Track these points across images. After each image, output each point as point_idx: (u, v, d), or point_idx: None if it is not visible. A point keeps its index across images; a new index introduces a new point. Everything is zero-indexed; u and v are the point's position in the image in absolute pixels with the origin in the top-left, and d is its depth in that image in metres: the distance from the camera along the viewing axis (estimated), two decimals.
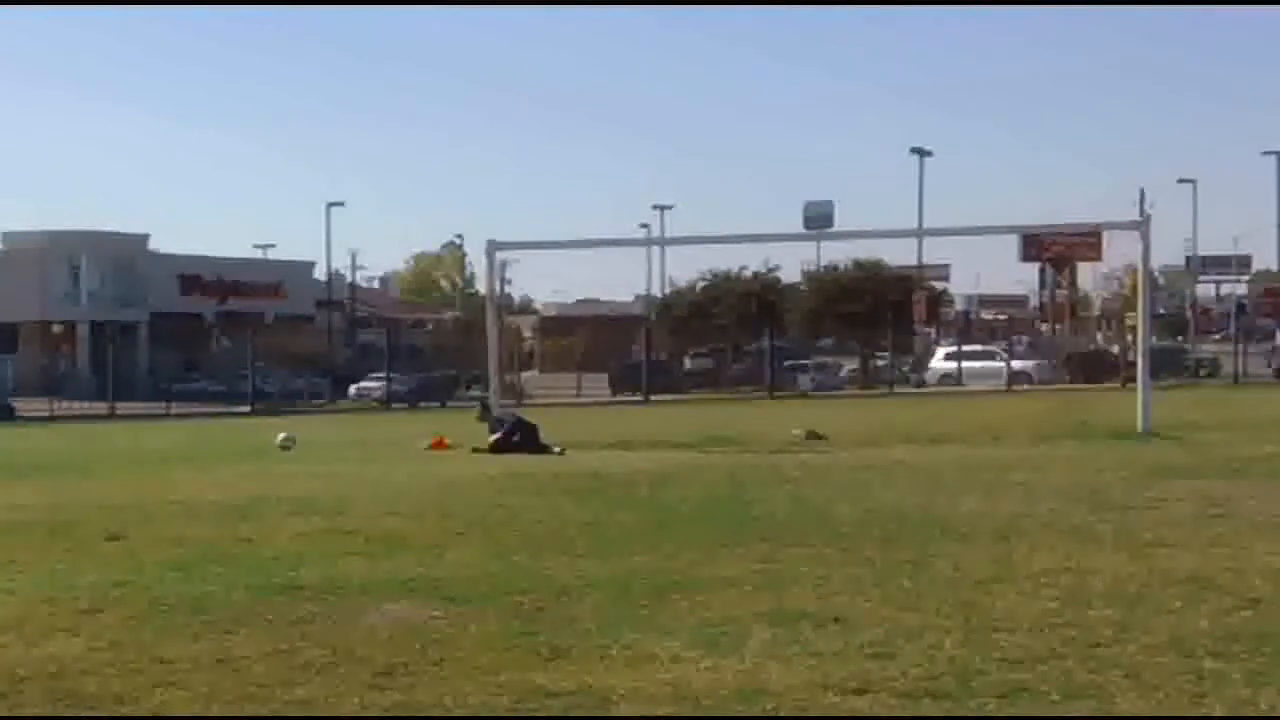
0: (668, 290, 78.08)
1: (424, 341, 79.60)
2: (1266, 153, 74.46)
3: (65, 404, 52.84)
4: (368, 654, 6.10)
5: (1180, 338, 71.53)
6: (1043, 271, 78.92)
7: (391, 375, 61.39)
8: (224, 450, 23.20)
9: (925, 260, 72.83)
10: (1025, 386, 49.37)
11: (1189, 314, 74.08)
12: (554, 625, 6.63)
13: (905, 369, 65.34)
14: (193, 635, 6.61)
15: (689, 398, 51.15)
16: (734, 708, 5.17)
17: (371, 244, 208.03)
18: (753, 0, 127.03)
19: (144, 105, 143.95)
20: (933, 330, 76.12)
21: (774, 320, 66.22)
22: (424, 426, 27.17)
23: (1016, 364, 54.14)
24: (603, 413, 37.40)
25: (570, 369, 66.08)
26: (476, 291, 77.67)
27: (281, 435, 21.27)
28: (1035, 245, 72.43)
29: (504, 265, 77.89)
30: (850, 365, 68.46)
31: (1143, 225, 24.13)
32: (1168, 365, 45.19)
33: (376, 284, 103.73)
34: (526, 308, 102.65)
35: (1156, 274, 73.23)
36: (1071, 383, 51.81)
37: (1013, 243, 72.43)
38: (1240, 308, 71.98)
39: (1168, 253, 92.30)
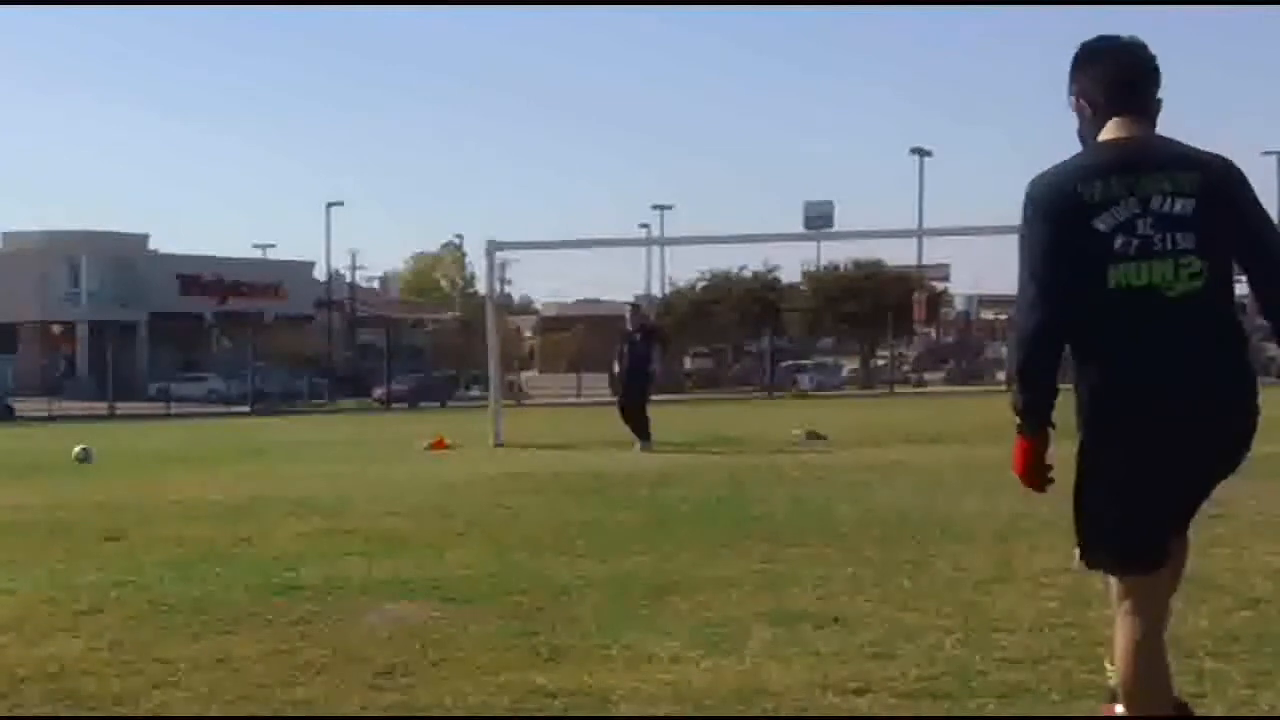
0: (668, 290, 78.16)
1: (424, 341, 79.64)
2: (1266, 153, 74.58)
3: (65, 404, 52.88)
4: (368, 654, 6.09)
5: None
6: None
7: (206, 375, 60.84)
8: (224, 450, 23.21)
9: (925, 260, 72.91)
10: None
11: None
12: (554, 625, 6.62)
13: (906, 368, 65.33)
14: (193, 635, 6.60)
15: (689, 398, 51.19)
16: (734, 708, 5.16)
17: (371, 244, 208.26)
18: (753, 0, 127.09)
19: (144, 105, 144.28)
20: (932, 330, 76.16)
21: (774, 320, 66.31)
22: (424, 426, 27.19)
23: None
24: (603, 413, 37.36)
25: (570, 368, 66.04)
26: (476, 291, 77.65)
27: (78, 448, 20.49)
28: None
29: (504, 265, 77.87)
30: (850, 365, 68.49)
31: None
32: None
33: (376, 284, 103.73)
34: (526, 308, 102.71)
35: None
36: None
37: (1013, 243, 72.42)
38: (1240, 307, 72.01)
39: None
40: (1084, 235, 3.87)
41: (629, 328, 20.33)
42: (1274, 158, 73.62)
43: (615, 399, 20.10)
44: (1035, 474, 4.10)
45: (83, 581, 8.20)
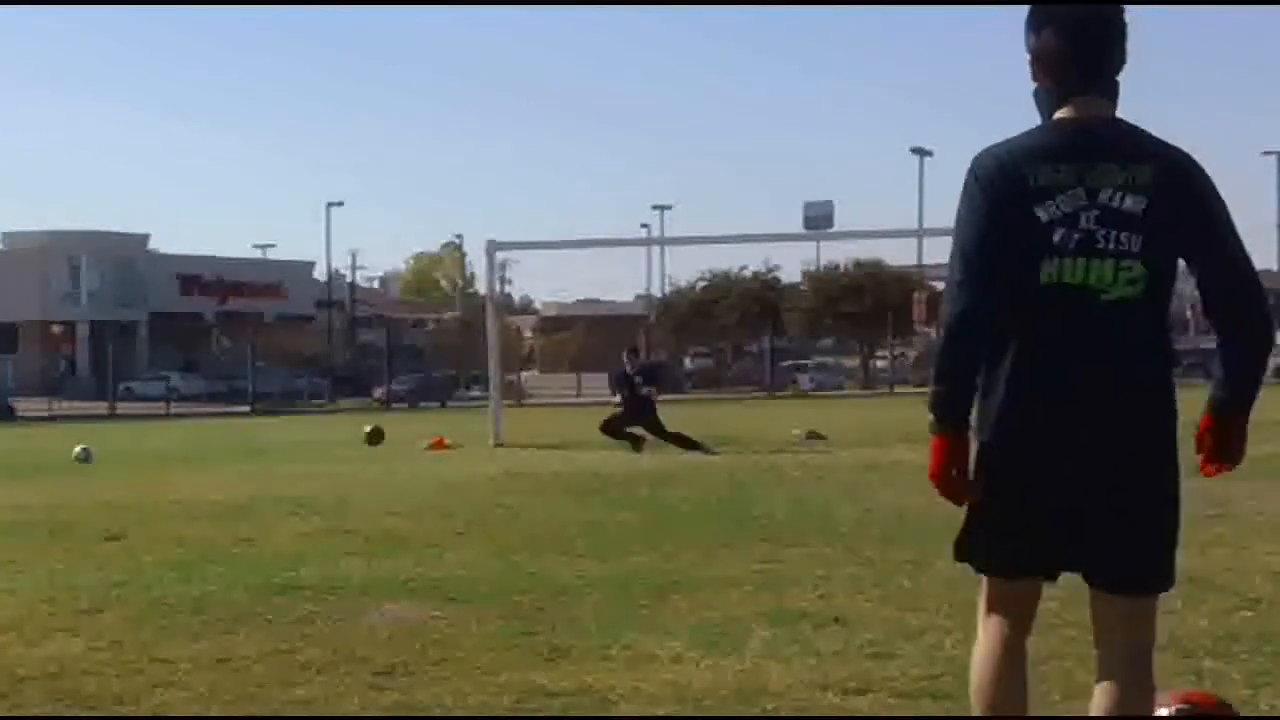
0: (668, 290, 78.20)
1: (424, 341, 79.69)
2: (1266, 153, 74.75)
3: (65, 404, 52.86)
4: (368, 654, 6.09)
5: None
6: None
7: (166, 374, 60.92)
8: (224, 450, 23.20)
9: (925, 260, 72.77)
10: None
11: (1188, 313, 74.20)
12: (554, 625, 6.63)
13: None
14: (193, 635, 6.61)
15: (689, 397, 51.15)
16: (734, 708, 5.17)
17: (371, 244, 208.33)
18: (753, 0, 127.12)
19: (144, 105, 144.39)
20: (932, 330, 76.08)
21: (774, 320, 66.31)
22: (424, 426, 27.19)
23: None
24: (603, 412, 37.37)
25: (570, 368, 66.03)
26: (476, 291, 77.64)
27: (78, 448, 20.57)
28: None
29: (504, 265, 77.88)
30: (851, 365, 68.48)
31: None
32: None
33: (376, 284, 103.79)
34: (526, 308, 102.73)
35: None
36: None
37: None
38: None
39: None
40: (1023, 221, 3.56)
41: (628, 370, 20.90)
42: (1274, 158, 73.72)
43: (616, 411, 20.65)
44: (949, 479, 3.84)
45: (83, 581, 8.21)
